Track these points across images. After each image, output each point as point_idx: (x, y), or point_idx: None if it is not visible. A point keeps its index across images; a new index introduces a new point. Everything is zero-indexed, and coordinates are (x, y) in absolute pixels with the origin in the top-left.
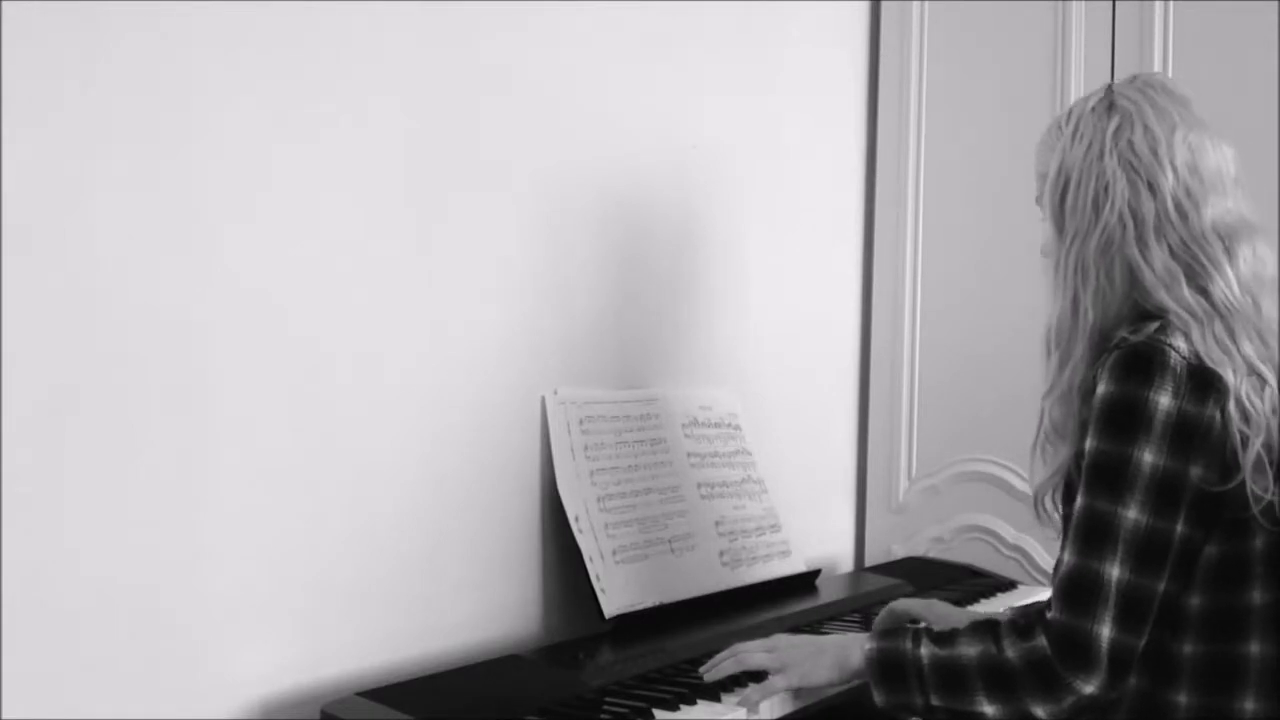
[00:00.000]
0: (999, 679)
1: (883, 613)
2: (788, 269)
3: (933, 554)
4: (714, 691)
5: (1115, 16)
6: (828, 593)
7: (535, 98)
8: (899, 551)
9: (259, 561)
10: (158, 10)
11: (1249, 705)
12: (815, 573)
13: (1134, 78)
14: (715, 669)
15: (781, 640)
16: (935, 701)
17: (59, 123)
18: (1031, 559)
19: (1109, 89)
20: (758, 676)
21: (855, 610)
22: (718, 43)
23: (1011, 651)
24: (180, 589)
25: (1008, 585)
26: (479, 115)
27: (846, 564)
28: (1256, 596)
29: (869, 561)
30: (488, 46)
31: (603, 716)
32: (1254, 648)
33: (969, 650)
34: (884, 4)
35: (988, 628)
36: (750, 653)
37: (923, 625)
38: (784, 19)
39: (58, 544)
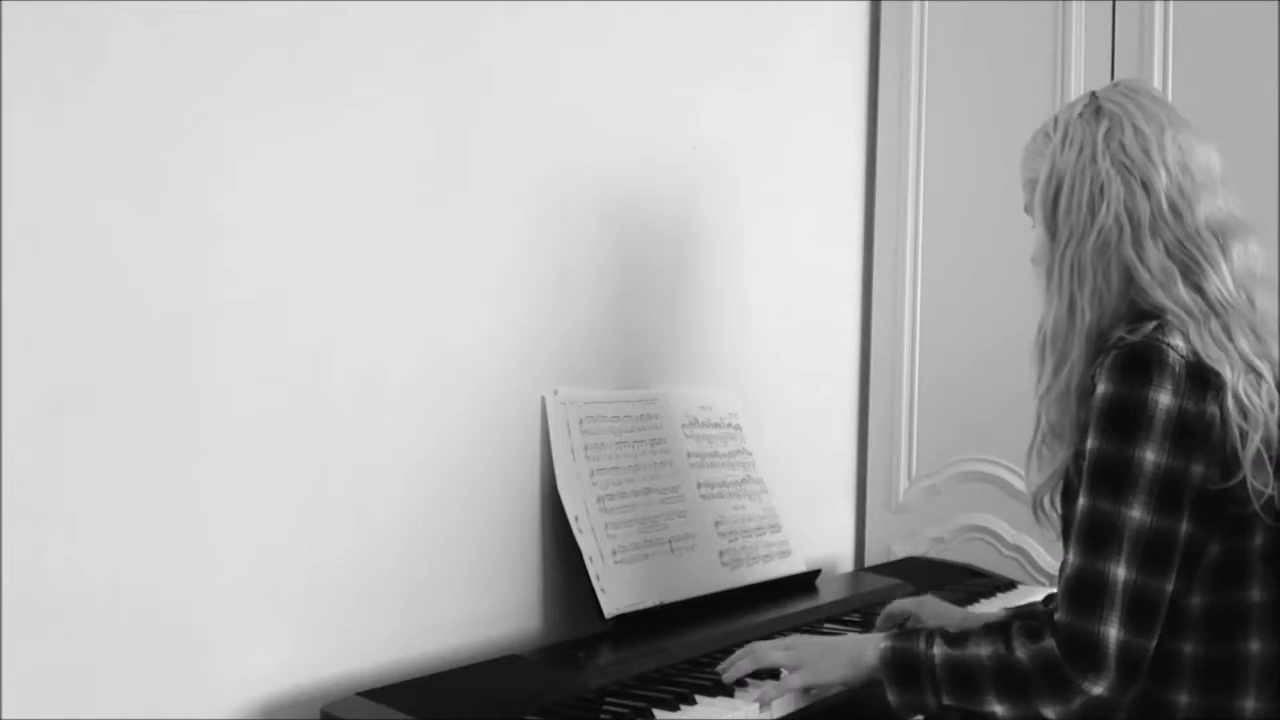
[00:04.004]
0: (1010, 680)
1: (880, 617)
2: (788, 269)
3: (933, 554)
4: (713, 691)
5: (1115, 16)
6: (828, 593)
7: (535, 98)
8: (899, 551)
9: (259, 561)
10: (158, 9)
11: (1249, 704)
12: (815, 573)
13: (1116, 84)
14: (733, 668)
15: (797, 639)
16: (947, 701)
17: (59, 121)
18: (1031, 559)
19: (1093, 95)
20: (774, 675)
21: (855, 610)
22: (718, 43)
23: (1022, 652)
24: (180, 589)
25: (1008, 585)
26: (479, 115)
27: (846, 564)
28: (1256, 594)
29: (869, 561)
30: (487, 47)
31: (603, 716)
32: (1254, 646)
33: (981, 651)
34: (884, 4)
35: (999, 629)
36: (767, 651)
37: (937, 625)
38: (784, 19)
39: (58, 544)
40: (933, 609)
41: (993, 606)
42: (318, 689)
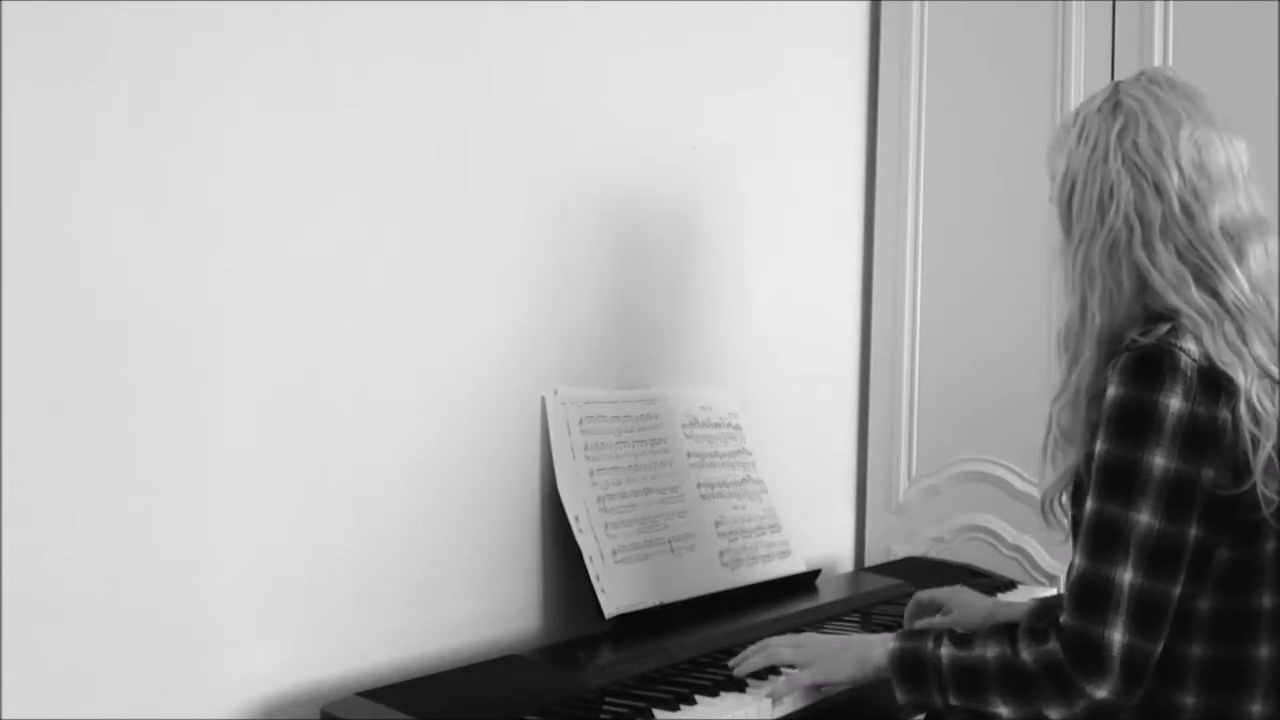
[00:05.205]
0: (1014, 682)
1: (910, 603)
2: (788, 269)
3: (933, 554)
4: (714, 691)
5: (1115, 16)
6: (828, 593)
7: (536, 99)
8: (899, 551)
9: (259, 561)
10: (158, 9)
11: (1256, 708)
12: (815, 573)
13: (1140, 74)
14: (745, 663)
15: (809, 637)
16: (953, 701)
17: (59, 121)
18: (1031, 559)
19: (1116, 88)
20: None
21: (855, 610)
22: (718, 43)
23: (1027, 655)
24: (181, 589)
25: (1007, 585)
26: (479, 115)
27: (846, 564)
28: (1267, 600)
29: (869, 561)
30: (486, 47)
31: (603, 716)
32: (1263, 651)
33: (986, 653)
34: (884, 4)
35: (1005, 631)
36: (779, 647)
37: (945, 626)
38: (784, 19)
39: (58, 544)
40: (963, 599)
41: None
42: (318, 689)
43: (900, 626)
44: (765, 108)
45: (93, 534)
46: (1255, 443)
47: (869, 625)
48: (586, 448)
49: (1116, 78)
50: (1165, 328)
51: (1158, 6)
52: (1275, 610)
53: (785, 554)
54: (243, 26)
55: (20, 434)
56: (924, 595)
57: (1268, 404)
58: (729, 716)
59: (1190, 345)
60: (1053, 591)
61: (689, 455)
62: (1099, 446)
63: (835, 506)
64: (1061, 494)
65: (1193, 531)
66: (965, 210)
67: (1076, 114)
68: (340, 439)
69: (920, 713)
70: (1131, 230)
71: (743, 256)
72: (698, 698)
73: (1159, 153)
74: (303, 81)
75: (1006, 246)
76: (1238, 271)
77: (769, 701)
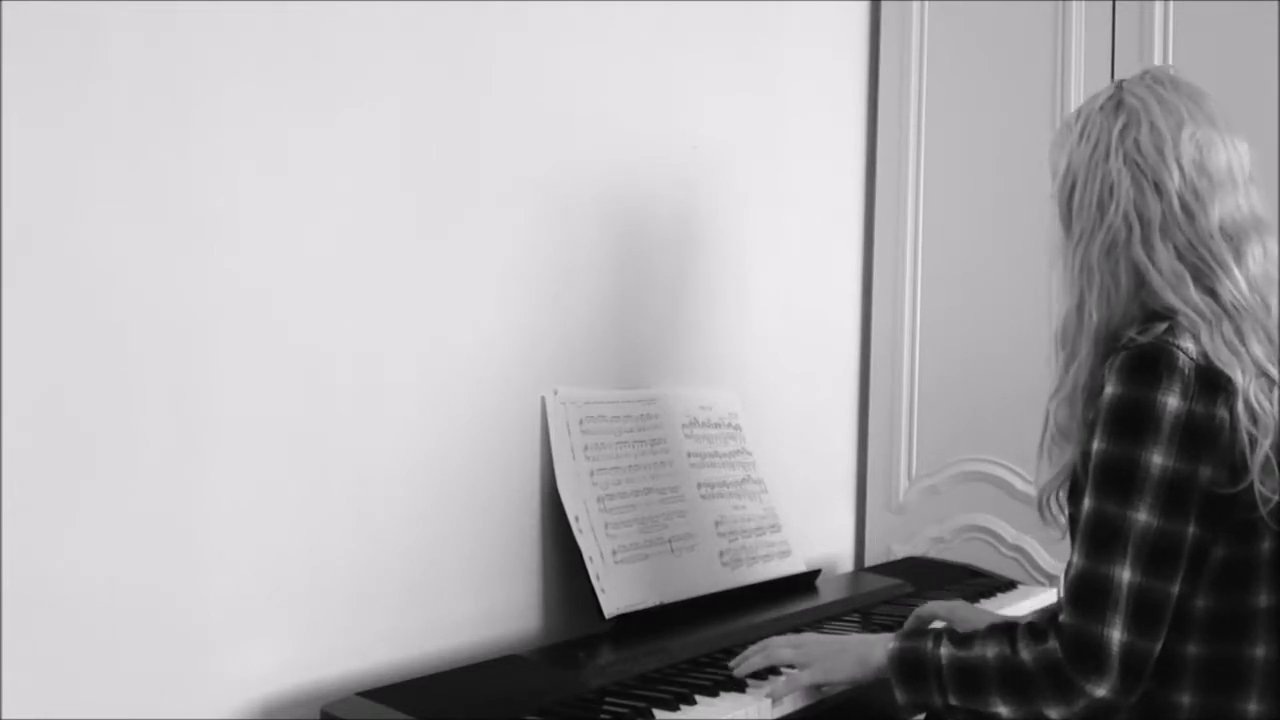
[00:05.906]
0: (1014, 681)
1: (910, 618)
2: (788, 269)
3: (933, 554)
4: (714, 691)
5: (1115, 16)
6: (828, 593)
7: (536, 99)
8: (899, 551)
9: (259, 561)
10: (157, 9)
11: (1252, 707)
12: (815, 573)
13: (1144, 73)
14: (745, 663)
15: (809, 637)
16: (953, 701)
17: (59, 122)
18: (1031, 559)
19: (1119, 86)
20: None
21: (855, 610)
22: (717, 43)
23: (1026, 654)
24: (180, 589)
25: (1007, 585)
26: (479, 116)
27: (846, 564)
28: (1262, 599)
29: (869, 561)
30: (486, 47)
31: (603, 716)
32: (1259, 650)
33: (986, 652)
34: (884, 4)
35: (1005, 630)
36: (779, 648)
37: (944, 626)
38: (784, 19)
39: (58, 544)
40: (963, 615)
41: (993, 607)
42: (318, 689)
43: (900, 627)
44: (765, 107)
45: (93, 534)
46: (1253, 442)
47: (869, 625)
48: (586, 448)
49: (1117, 78)
50: (1163, 326)
51: (1158, 6)
52: (1271, 609)
53: (785, 554)
54: (243, 26)
55: (20, 434)
56: (924, 612)
57: (1265, 403)
58: (729, 716)
59: (1188, 344)
60: (1053, 596)
61: (689, 455)
62: (1097, 445)
63: (835, 506)
64: (1058, 491)
65: (1190, 530)
66: (965, 210)
67: (1079, 112)
68: (340, 439)
69: (920, 713)
70: (1131, 229)
71: (743, 256)
72: (698, 698)
73: (1160, 152)
74: (303, 82)
75: (1006, 246)
76: (1236, 271)
77: (769, 701)
